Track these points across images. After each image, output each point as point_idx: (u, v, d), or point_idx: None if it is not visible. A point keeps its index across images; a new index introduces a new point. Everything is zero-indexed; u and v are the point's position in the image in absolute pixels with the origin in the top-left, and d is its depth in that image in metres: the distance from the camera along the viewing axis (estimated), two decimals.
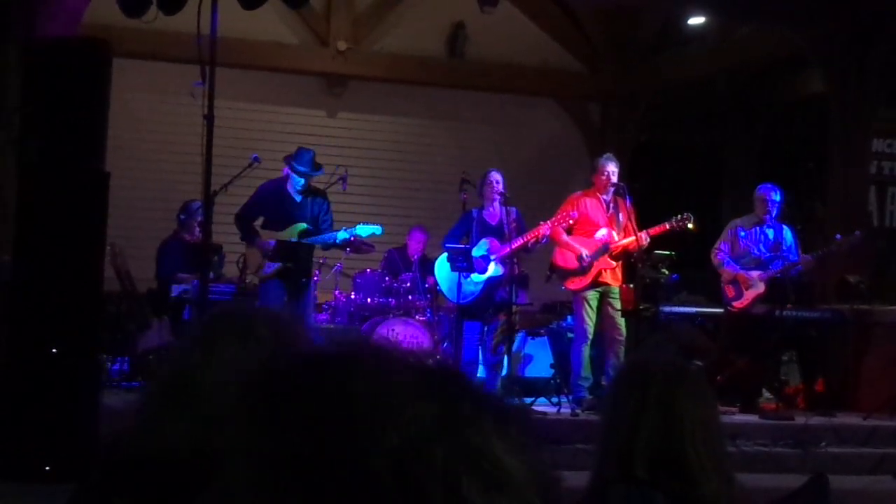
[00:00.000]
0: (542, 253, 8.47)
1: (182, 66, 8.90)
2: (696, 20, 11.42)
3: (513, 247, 7.79)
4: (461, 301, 7.97)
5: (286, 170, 8.08)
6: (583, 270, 7.91)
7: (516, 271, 8.02)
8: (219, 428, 0.97)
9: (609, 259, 7.90)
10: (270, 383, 0.82)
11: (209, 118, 6.23)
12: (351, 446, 0.75)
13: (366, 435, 0.75)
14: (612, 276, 7.94)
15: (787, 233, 8.47)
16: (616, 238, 7.91)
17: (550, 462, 0.81)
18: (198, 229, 8.61)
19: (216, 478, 0.82)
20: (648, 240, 7.87)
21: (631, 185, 8.36)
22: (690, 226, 7.87)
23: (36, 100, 6.19)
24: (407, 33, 11.99)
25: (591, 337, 7.91)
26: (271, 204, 8.01)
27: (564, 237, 7.97)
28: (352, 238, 8.00)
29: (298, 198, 8.03)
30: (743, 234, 8.48)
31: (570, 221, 7.89)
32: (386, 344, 0.86)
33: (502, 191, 8.01)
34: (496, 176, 8.10)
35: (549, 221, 7.85)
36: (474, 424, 0.77)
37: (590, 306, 7.89)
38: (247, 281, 8.30)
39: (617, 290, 7.94)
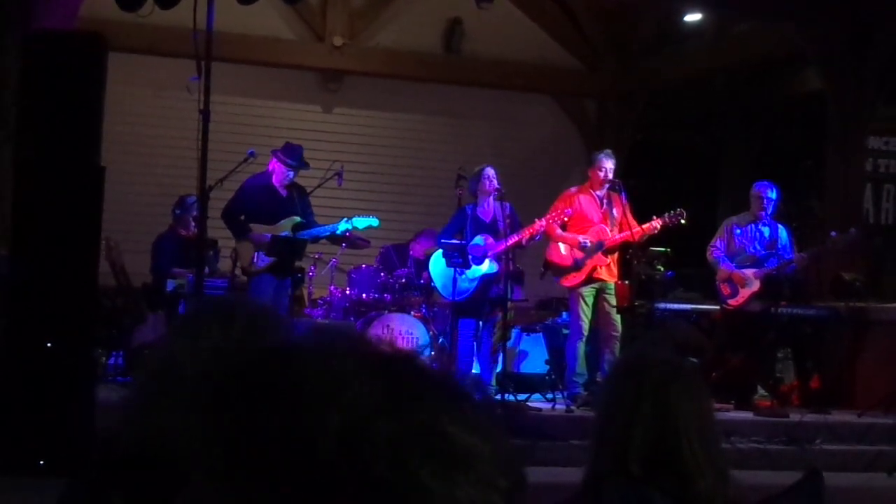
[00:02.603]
0: (538, 249, 8.46)
1: (178, 61, 8.87)
2: (694, 17, 11.41)
3: (508, 243, 7.78)
4: (456, 298, 7.96)
5: (272, 164, 8.06)
6: (577, 267, 7.92)
7: (511, 267, 8.01)
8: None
9: (602, 255, 7.90)
10: (217, 377, 0.83)
11: (205, 113, 6.23)
12: (296, 431, 0.75)
13: (309, 418, 0.75)
14: (608, 272, 7.95)
15: (783, 231, 8.47)
16: (609, 234, 7.91)
17: (515, 447, 0.80)
18: (193, 224, 8.61)
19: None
20: (657, 228, 7.84)
21: (626, 182, 8.36)
22: (683, 221, 7.87)
23: (32, 94, 6.17)
24: (403, 29, 11.98)
25: (586, 333, 7.92)
26: (259, 199, 7.97)
27: (559, 232, 7.97)
28: (350, 231, 8.02)
29: (285, 192, 8.03)
30: (738, 231, 8.48)
31: (565, 218, 7.90)
32: (341, 333, 0.86)
33: (497, 186, 8.00)
34: (490, 172, 8.07)
35: (543, 218, 7.85)
36: (420, 402, 0.77)
37: (585, 303, 7.89)
38: (236, 274, 8.26)
39: (612, 286, 7.95)
